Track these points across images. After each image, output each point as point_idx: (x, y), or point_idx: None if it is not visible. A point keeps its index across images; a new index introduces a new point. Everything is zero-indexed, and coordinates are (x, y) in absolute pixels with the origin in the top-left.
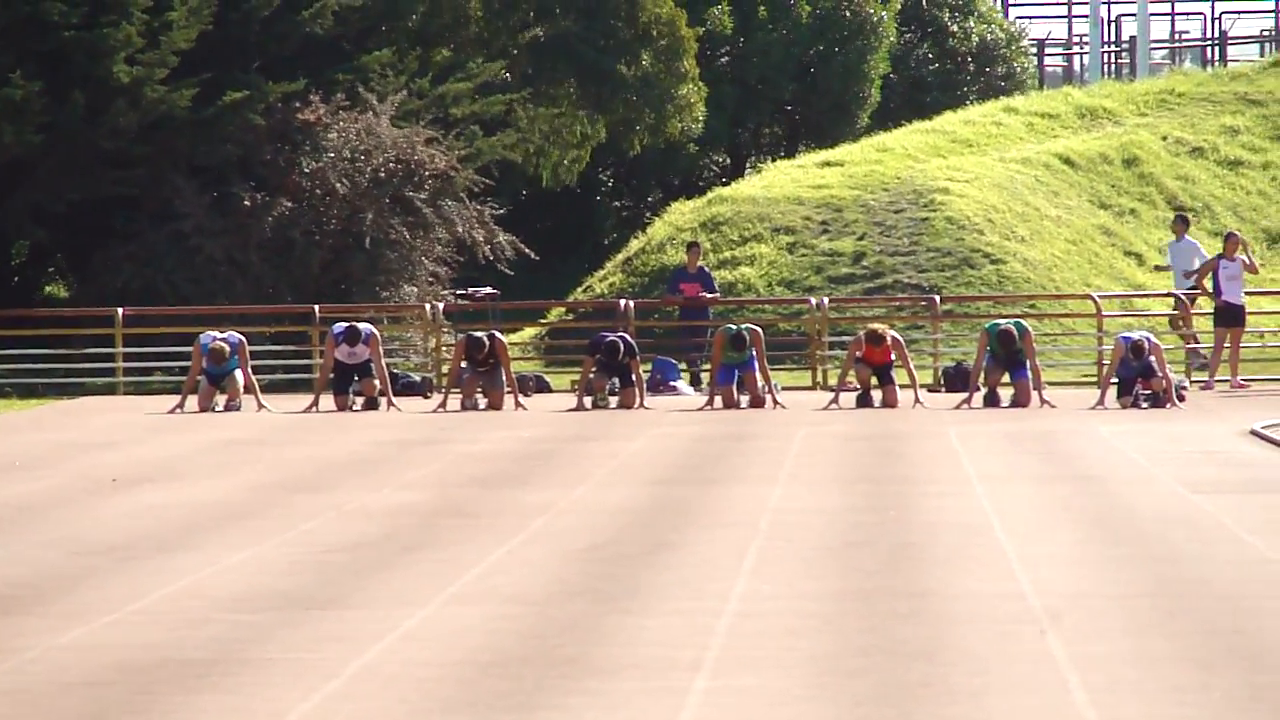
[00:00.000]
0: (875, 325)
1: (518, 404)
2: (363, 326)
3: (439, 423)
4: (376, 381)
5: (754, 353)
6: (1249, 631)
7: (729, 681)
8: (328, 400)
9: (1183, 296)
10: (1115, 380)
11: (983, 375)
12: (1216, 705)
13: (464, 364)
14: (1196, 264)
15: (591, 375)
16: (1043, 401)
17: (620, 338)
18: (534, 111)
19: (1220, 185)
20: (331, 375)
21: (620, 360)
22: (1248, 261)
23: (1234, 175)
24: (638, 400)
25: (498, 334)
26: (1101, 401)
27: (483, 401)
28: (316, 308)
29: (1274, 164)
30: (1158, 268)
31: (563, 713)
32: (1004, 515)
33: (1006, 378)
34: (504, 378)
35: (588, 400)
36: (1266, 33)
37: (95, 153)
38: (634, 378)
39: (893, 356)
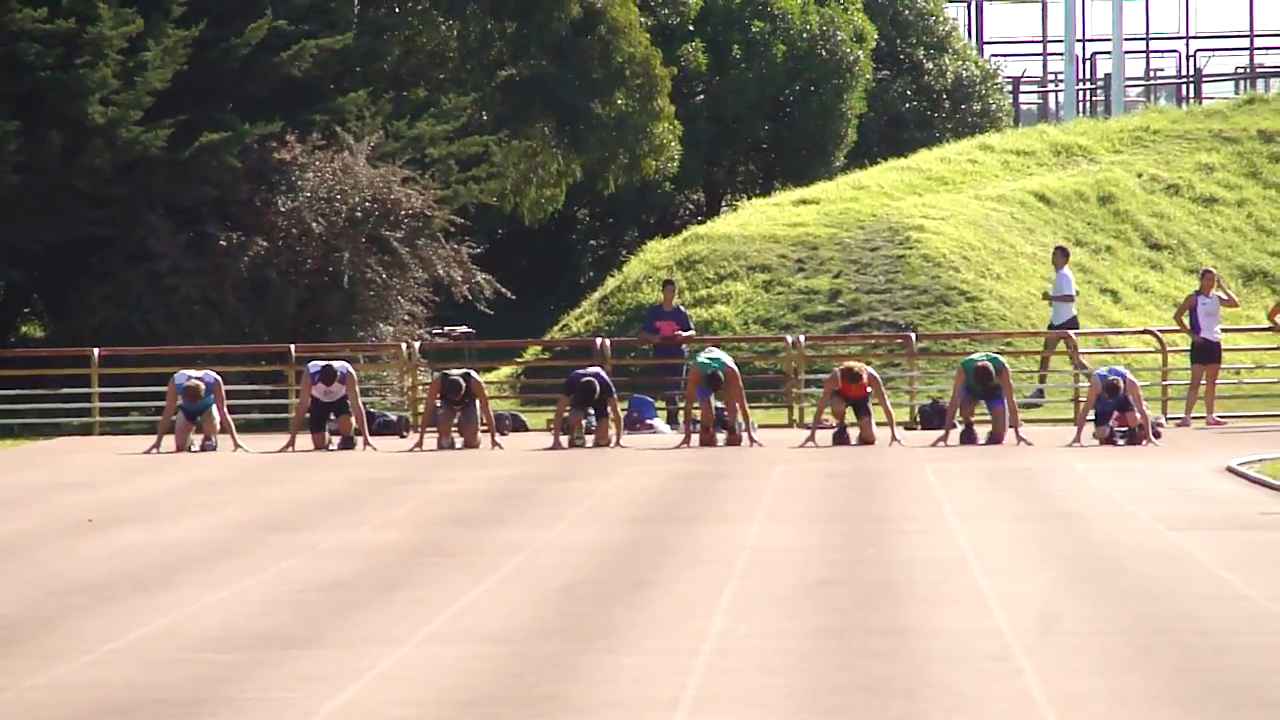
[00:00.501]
0: (851, 363)
1: (494, 443)
2: (338, 365)
3: (416, 462)
4: (353, 419)
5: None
6: (1225, 668)
7: None
8: (304, 440)
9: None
10: (1091, 418)
11: (958, 411)
12: None
13: (439, 402)
14: (1067, 291)
15: (566, 414)
16: (1019, 439)
17: (595, 376)
18: (509, 149)
19: (1195, 222)
20: (308, 414)
21: (596, 400)
22: (1225, 297)
23: (1209, 212)
24: (614, 438)
25: (474, 374)
26: (1078, 439)
27: (459, 440)
28: (293, 347)
29: (1249, 201)
30: (1046, 295)
31: None
32: (981, 552)
33: (983, 407)
34: (479, 414)
35: (564, 439)
36: (1241, 70)
37: (71, 193)
38: (610, 414)
39: (869, 392)
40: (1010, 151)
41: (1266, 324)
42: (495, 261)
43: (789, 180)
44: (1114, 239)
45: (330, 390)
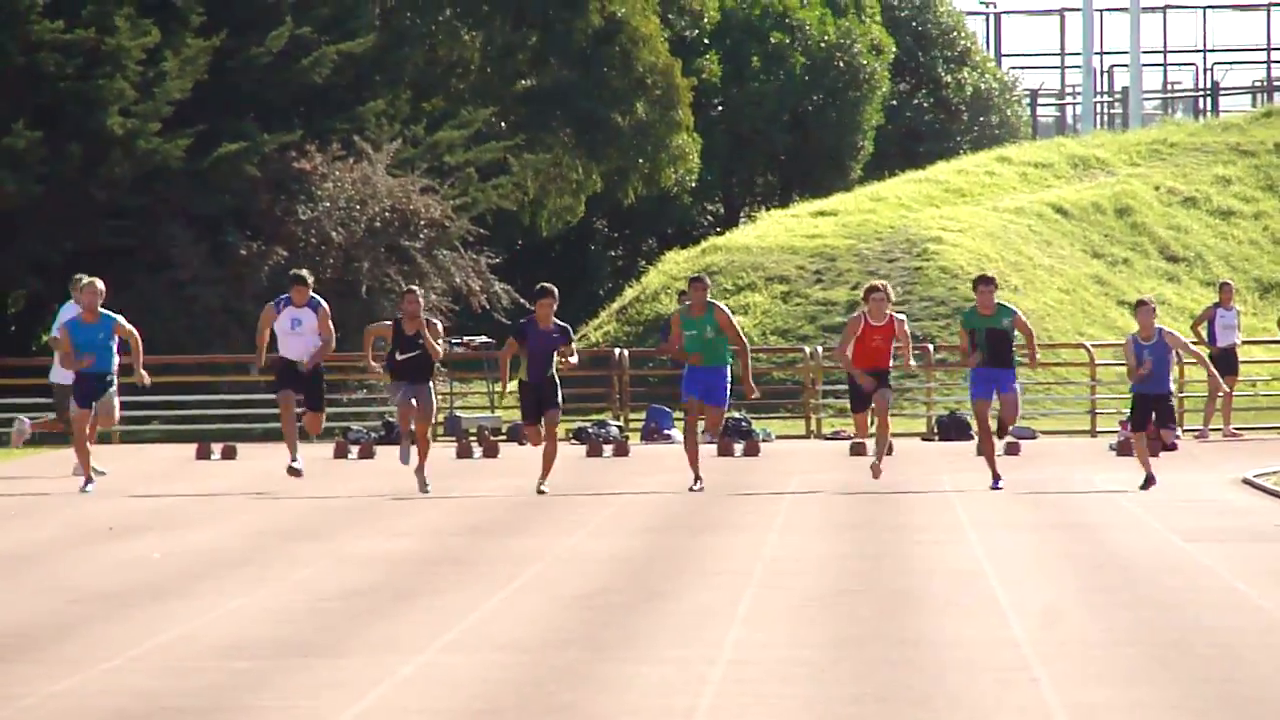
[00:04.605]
0: (876, 282)
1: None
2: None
3: (433, 472)
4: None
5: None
6: (1241, 680)
7: None
8: (316, 449)
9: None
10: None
11: (971, 426)
12: None
13: (390, 349)
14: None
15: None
16: (1035, 362)
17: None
18: (528, 159)
19: (1212, 235)
20: (274, 366)
21: (549, 390)
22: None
23: (1226, 225)
24: (554, 426)
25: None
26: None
27: (414, 455)
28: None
29: (1266, 214)
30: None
31: None
32: (997, 562)
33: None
34: (432, 392)
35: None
36: (1258, 83)
37: (91, 203)
38: (557, 402)
39: (894, 333)
40: (1028, 164)
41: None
42: (514, 271)
43: (807, 192)
44: (1131, 251)
45: (299, 332)
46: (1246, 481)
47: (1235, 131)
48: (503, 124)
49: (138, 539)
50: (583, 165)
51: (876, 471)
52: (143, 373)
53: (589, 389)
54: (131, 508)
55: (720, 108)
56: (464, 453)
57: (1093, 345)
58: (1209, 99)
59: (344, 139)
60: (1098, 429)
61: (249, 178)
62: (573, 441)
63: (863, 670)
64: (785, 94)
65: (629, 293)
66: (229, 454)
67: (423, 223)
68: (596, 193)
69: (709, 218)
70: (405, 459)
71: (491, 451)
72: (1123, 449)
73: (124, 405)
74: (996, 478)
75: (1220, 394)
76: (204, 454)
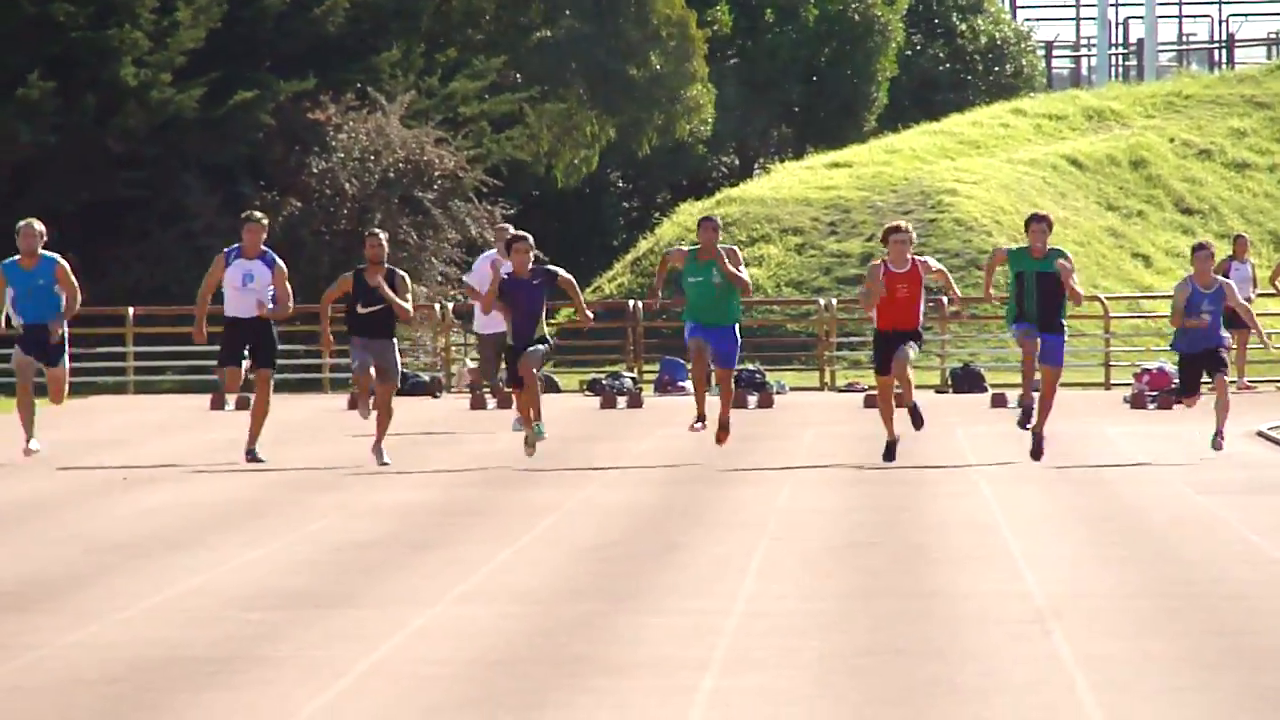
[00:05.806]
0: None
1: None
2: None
3: (448, 422)
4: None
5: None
6: (1254, 632)
7: (737, 681)
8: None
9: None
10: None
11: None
12: (1221, 706)
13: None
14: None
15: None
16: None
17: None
18: (542, 110)
19: (1227, 187)
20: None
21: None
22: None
23: (1241, 177)
24: (531, 365)
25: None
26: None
27: (372, 409)
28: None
29: None
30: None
31: (571, 711)
32: (1011, 515)
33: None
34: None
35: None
36: (1274, 35)
37: (106, 154)
38: (536, 346)
39: (923, 279)
40: (1042, 116)
41: None
42: (528, 223)
43: (821, 143)
44: (1146, 204)
45: (248, 286)
46: (1260, 434)
47: (1250, 84)
48: (517, 75)
49: (152, 490)
50: (597, 117)
51: (918, 423)
52: (60, 326)
53: (603, 341)
54: (146, 459)
55: (734, 59)
56: (477, 404)
57: (1107, 298)
58: (1224, 51)
59: (358, 89)
60: (1112, 381)
61: (263, 128)
62: (586, 393)
63: (876, 622)
64: (799, 45)
65: (643, 244)
66: (243, 405)
67: (437, 174)
68: (611, 144)
69: (723, 169)
70: (366, 414)
71: (505, 403)
72: (1136, 401)
73: (139, 355)
74: (1028, 415)
75: (1233, 347)
76: (218, 405)
